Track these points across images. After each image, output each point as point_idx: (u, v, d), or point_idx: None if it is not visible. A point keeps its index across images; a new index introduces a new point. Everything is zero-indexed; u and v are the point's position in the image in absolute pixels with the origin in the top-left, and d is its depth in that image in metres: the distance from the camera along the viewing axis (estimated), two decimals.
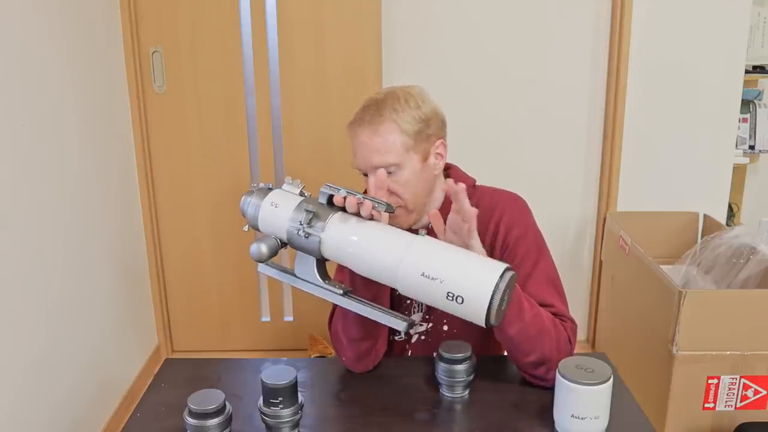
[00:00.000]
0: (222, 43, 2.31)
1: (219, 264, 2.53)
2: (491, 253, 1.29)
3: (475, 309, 0.92)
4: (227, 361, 1.34)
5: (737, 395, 1.84)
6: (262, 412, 1.03)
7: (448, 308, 0.94)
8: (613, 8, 2.37)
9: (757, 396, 1.84)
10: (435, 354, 1.18)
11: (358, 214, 1.03)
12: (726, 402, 1.85)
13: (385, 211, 1.02)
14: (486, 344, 1.37)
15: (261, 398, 1.04)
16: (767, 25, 2.66)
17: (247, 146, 2.42)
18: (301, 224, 1.02)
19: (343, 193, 1.03)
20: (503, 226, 1.28)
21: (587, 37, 2.41)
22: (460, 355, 1.14)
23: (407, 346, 1.38)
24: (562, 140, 2.51)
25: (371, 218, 1.03)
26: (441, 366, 1.15)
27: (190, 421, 1.00)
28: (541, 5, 2.39)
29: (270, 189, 1.09)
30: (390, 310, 1.07)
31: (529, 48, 2.42)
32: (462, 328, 1.34)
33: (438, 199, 1.33)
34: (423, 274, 0.94)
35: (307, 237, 1.02)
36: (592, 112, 2.48)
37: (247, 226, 1.11)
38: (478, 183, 1.38)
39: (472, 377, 1.16)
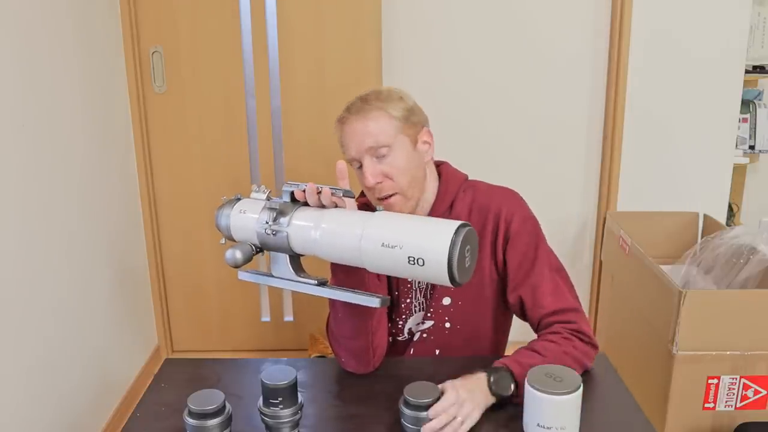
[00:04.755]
0: (222, 43, 2.31)
1: (219, 264, 2.52)
2: (494, 248, 1.31)
3: (436, 268, 0.92)
4: (227, 361, 1.34)
5: (737, 395, 1.84)
6: (262, 412, 1.04)
7: (413, 274, 0.95)
8: (612, 8, 2.37)
9: (757, 396, 1.84)
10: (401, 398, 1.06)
11: (321, 206, 1.06)
12: (726, 402, 1.85)
13: (344, 196, 1.05)
14: (489, 341, 1.37)
15: (261, 398, 1.04)
16: (767, 25, 2.66)
17: (247, 146, 2.42)
18: (267, 223, 1.05)
19: (302, 186, 1.06)
20: (503, 221, 1.29)
21: (587, 37, 2.41)
22: (427, 400, 1.03)
23: (410, 344, 1.38)
24: (562, 140, 2.51)
25: (336, 206, 1.05)
26: (406, 412, 1.04)
27: (190, 421, 1.00)
28: (541, 5, 2.39)
29: (239, 199, 1.14)
30: (362, 291, 1.08)
31: (529, 48, 2.42)
32: (464, 324, 1.34)
33: (431, 189, 1.33)
34: (383, 244, 0.95)
35: (275, 234, 1.05)
36: (592, 112, 2.48)
37: (223, 239, 1.15)
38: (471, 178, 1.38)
39: None
